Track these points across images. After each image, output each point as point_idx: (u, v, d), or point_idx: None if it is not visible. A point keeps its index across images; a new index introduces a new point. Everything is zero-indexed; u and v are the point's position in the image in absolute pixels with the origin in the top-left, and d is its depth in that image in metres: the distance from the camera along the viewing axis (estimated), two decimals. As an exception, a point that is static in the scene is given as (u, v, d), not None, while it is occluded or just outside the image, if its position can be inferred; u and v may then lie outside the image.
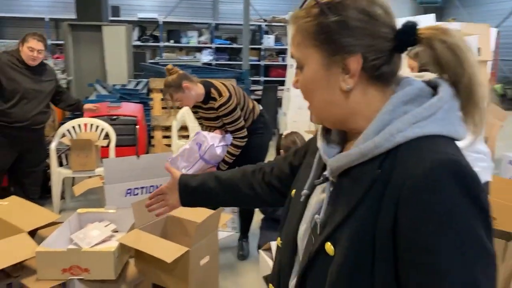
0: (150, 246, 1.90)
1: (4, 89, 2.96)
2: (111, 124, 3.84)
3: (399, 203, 0.66)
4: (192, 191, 1.09)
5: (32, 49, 2.96)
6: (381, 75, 0.74)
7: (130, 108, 4.39)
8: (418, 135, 0.68)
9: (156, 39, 9.66)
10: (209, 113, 2.70)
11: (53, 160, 3.49)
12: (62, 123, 3.93)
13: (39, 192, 3.34)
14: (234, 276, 2.74)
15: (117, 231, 2.39)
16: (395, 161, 0.68)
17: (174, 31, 9.79)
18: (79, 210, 2.37)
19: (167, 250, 1.87)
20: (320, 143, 0.84)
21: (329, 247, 0.72)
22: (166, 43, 9.66)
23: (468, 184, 0.64)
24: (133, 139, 4.26)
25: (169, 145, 4.72)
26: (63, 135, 3.66)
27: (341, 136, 0.83)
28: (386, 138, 0.69)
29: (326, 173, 0.80)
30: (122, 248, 1.96)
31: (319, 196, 0.81)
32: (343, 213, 0.71)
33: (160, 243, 1.94)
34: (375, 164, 0.70)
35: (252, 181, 1.07)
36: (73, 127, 3.71)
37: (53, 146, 3.52)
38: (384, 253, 0.67)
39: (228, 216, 2.51)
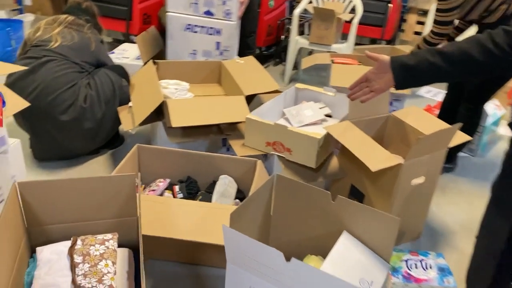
0: (356, 145, 1.62)
1: None
2: (361, -3, 3.43)
3: None
4: (410, 68, 1.13)
5: None
6: None
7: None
8: None
9: None
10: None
11: (294, 26, 3.40)
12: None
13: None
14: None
15: (330, 116, 2.19)
16: None
17: None
18: (297, 85, 2.23)
19: (375, 156, 1.57)
20: None
21: None
22: None
23: None
24: (382, 19, 3.77)
25: (419, 33, 4.06)
26: (310, 1, 3.49)
27: None
28: None
29: None
30: (329, 137, 1.75)
31: None
32: None
33: (370, 145, 1.64)
34: None
35: (485, 43, 1.02)
36: (321, -5, 3.47)
37: (296, 12, 3.41)
38: None
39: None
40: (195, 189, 1.83)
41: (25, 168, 2.13)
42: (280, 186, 1.41)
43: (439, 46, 2.08)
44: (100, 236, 1.20)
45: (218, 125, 2.05)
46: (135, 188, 1.31)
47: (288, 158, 1.81)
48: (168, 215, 1.43)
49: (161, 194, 1.78)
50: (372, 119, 1.86)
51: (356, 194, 1.76)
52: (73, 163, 2.21)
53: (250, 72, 2.30)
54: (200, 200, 1.74)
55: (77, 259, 1.11)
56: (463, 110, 2.25)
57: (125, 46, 3.15)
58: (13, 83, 1.98)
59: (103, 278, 1.06)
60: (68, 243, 1.17)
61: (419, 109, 1.99)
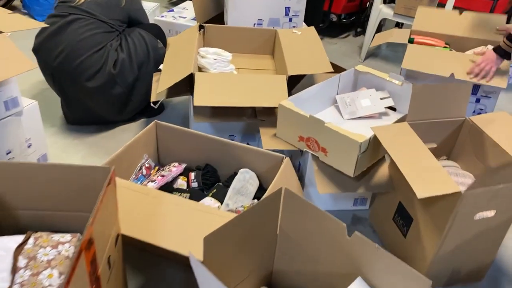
0: (407, 157, 1.25)
1: None
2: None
3: None
4: None
5: None
6: None
7: None
8: None
9: None
10: None
11: (380, -7, 2.92)
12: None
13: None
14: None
15: (394, 109, 1.79)
16: None
17: None
18: (358, 67, 1.84)
19: (428, 177, 1.19)
20: None
21: None
22: None
23: None
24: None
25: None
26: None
27: None
28: None
29: None
30: (376, 141, 1.39)
31: None
32: None
33: (425, 159, 1.26)
34: None
35: None
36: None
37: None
38: None
39: None
40: (213, 179, 1.60)
41: (53, 130, 2.07)
42: (288, 203, 1.12)
43: None
44: (56, 237, 1.03)
45: (253, 108, 1.77)
46: (109, 181, 1.10)
47: (323, 160, 1.49)
48: (148, 213, 1.22)
49: (174, 181, 1.58)
50: (440, 122, 1.46)
51: (404, 216, 1.40)
52: (104, 129, 2.09)
53: (304, 47, 1.95)
54: (213, 193, 1.51)
55: (21, 262, 0.95)
56: None
57: (186, 4, 2.93)
58: (41, 43, 1.87)
59: (41, 293, 0.90)
60: (20, 239, 1.02)
61: (510, 116, 1.52)
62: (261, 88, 1.67)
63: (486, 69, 1.80)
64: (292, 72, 1.73)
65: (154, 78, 1.93)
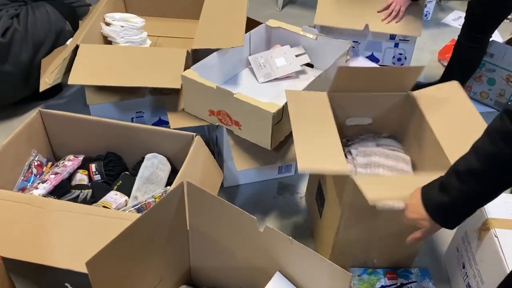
0: (307, 128, 1.13)
1: None
2: None
3: None
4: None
5: None
6: None
7: None
8: None
9: None
10: None
11: None
12: None
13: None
14: None
15: (311, 66, 1.66)
16: None
17: None
18: (269, 22, 1.67)
19: (320, 153, 1.07)
20: None
21: None
22: None
23: None
24: None
25: None
26: None
27: None
28: None
29: None
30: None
31: None
32: None
33: (326, 134, 1.14)
34: None
35: None
36: None
37: None
38: None
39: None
40: (118, 168, 1.41)
41: None
42: (193, 198, 0.97)
43: None
44: None
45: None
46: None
47: (238, 134, 1.34)
48: (33, 227, 1.02)
49: (72, 177, 1.37)
50: (377, 95, 1.26)
51: (321, 195, 1.30)
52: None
53: (224, 13, 1.66)
54: (119, 186, 1.33)
55: None
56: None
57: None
58: None
59: None
60: None
61: (459, 90, 1.24)
62: (156, 65, 1.44)
63: (396, 9, 1.84)
64: (197, 45, 1.49)
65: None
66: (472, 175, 0.76)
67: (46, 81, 1.50)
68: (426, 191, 0.85)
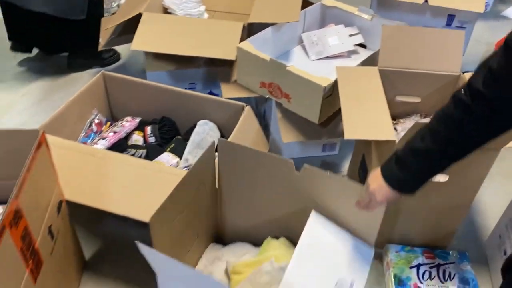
0: (355, 99, 1.15)
1: None
2: None
3: None
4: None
5: None
6: None
7: None
8: None
9: None
10: None
11: None
12: None
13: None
14: None
15: (364, 47, 1.67)
16: None
17: None
18: (325, 1, 1.69)
19: (367, 121, 1.10)
20: None
21: None
22: None
23: None
24: None
25: None
26: None
27: None
28: None
29: None
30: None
31: None
32: None
33: (374, 104, 1.16)
34: None
35: None
36: None
37: None
38: None
39: None
40: (171, 133, 1.49)
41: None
42: (226, 154, 1.03)
43: None
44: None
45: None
46: (37, 146, 0.99)
47: (287, 107, 1.38)
48: (95, 176, 1.11)
49: (128, 137, 1.46)
50: (425, 74, 1.26)
51: (364, 169, 1.32)
52: (54, 78, 1.94)
53: None
54: (171, 148, 1.41)
55: None
56: None
57: None
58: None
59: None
60: None
61: None
62: (213, 37, 1.50)
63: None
64: (254, 19, 1.53)
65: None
66: (427, 154, 0.78)
67: (100, 42, 1.60)
68: (385, 166, 0.86)
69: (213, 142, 1.03)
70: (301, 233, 0.94)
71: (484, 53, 2.28)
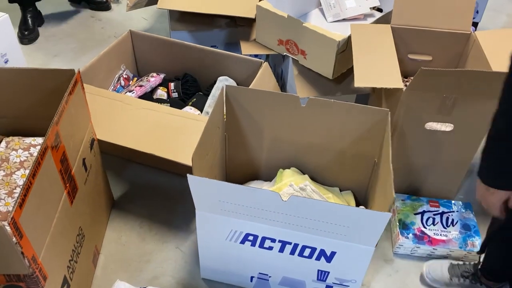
0: (367, 52, 1.21)
1: None
2: None
3: None
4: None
5: None
6: None
7: None
8: None
9: None
10: None
11: None
12: None
13: None
14: None
15: (380, 10, 1.72)
16: None
17: None
18: (343, -34, 1.73)
19: (377, 71, 1.16)
20: None
21: None
22: None
23: None
24: None
25: None
26: None
27: None
28: None
29: None
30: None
31: None
32: None
33: (384, 56, 1.21)
34: None
35: None
36: None
37: None
38: None
39: None
40: (193, 88, 1.58)
41: (31, 47, 2.03)
42: (234, 99, 1.12)
43: None
44: (28, 140, 1.03)
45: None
46: (74, 83, 1.09)
47: (302, 63, 1.45)
48: (125, 119, 1.21)
49: (153, 92, 1.56)
50: (437, 32, 1.31)
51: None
52: (83, 40, 2.05)
53: None
54: (193, 102, 1.50)
55: (-6, 164, 0.97)
56: None
57: None
58: None
59: (14, 191, 0.92)
60: (-9, 144, 1.03)
61: None
62: None
63: None
64: None
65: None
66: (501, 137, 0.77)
67: (128, 3, 1.68)
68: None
69: (222, 88, 1.11)
70: (308, 164, 1.03)
71: (504, 24, 2.29)
